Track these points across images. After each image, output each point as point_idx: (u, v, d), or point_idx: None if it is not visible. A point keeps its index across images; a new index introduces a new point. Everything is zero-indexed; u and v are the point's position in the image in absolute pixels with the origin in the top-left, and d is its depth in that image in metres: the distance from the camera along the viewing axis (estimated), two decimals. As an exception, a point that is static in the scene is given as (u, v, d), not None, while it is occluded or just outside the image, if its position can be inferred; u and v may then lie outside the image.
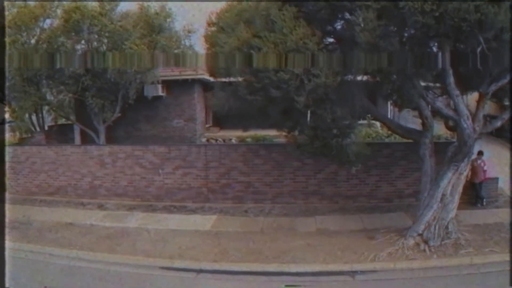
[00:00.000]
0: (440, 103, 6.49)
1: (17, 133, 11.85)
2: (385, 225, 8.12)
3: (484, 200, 8.77)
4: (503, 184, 9.33)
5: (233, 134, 13.45)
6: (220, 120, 14.71)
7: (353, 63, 5.21)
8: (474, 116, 6.67)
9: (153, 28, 10.68)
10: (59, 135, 13.21)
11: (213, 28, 7.10)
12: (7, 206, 10.74)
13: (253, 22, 6.02)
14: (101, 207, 9.98)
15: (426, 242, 7.06)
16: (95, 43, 10.61)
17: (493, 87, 6.54)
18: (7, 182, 11.47)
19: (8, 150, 11.33)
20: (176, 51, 10.74)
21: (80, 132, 13.07)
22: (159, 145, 9.89)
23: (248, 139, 12.78)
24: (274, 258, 7.07)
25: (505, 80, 6.44)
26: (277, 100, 5.81)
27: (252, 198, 9.41)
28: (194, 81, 12.49)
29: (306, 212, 9.09)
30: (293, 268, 6.74)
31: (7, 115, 21.98)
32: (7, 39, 10.76)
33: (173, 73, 12.19)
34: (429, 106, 6.65)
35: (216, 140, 13.24)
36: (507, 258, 6.49)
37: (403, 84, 5.48)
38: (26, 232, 8.66)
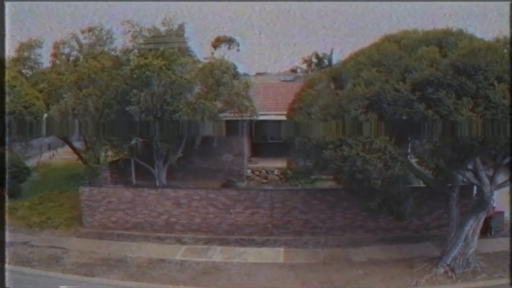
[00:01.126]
0: (468, 173, 9.41)
1: (89, 174, 13.81)
2: (418, 254, 11.16)
3: (493, 230, 12.01)
4: (509, 216, 12.59)
5: (273, 165, 16.03)
6: (258, 150, 17.18)
7: (420, 161, 7.95)
8: (491, 180, 9.64)
9: (218, 81, 12.88)
10: (119, 169, 15.25)
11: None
12: (90, 240, 12.89)
13: (341, 119, 8.57)
14: (179, 241, 12.43)
15: (452, 270, 10.14)
16: (164, 96, 12.68)
17: (506, 159, 9.50)
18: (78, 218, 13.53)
19: (83, 190, 13.37)
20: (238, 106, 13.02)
21: (135, 166, 15.21)
22: (231, 189, 12.38)
23: (289, 172, 15.43)
24: (343, 286, 9.94)
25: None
26: (359, 180, 8.48)
27: (309, 232, 12.21)
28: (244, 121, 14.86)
29: (354, 243, 12.00)
30: (361, 294, 9.63)
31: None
32: (84, 92, 12.63)
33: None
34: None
35: (260, 172, 15.81)
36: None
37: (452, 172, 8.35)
38: (128, 270, 10.97)
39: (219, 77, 12.87)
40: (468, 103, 7.32)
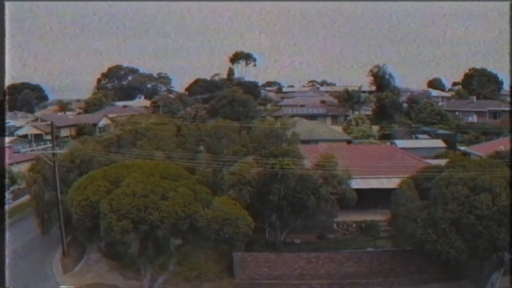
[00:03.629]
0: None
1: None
2: (461, 290, 21.35)
3: (505, 270, 22.36)
4: None
5: (349, 219, 25.40)
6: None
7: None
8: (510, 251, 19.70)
9: (332, 176, 21.63)
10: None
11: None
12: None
13: (434, 227, 18.08)
14: (309, 286, 21.53)
15: (484, 300, 20.44)
16: (296, 188, 21.22)
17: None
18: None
19: (236, 254, 21.75)
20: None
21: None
22: (345, 251, 21.59)
23: (363, 224, 24.97)
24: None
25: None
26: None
27: (392, 275, 21.94)
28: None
29: (418, 281, 21.89)
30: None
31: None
32: (243, 190, 20.75)
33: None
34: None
35: (343, 225, 25.13)
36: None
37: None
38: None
39: (333, 172, 21.63)
40: (503, 229, 16.94)
